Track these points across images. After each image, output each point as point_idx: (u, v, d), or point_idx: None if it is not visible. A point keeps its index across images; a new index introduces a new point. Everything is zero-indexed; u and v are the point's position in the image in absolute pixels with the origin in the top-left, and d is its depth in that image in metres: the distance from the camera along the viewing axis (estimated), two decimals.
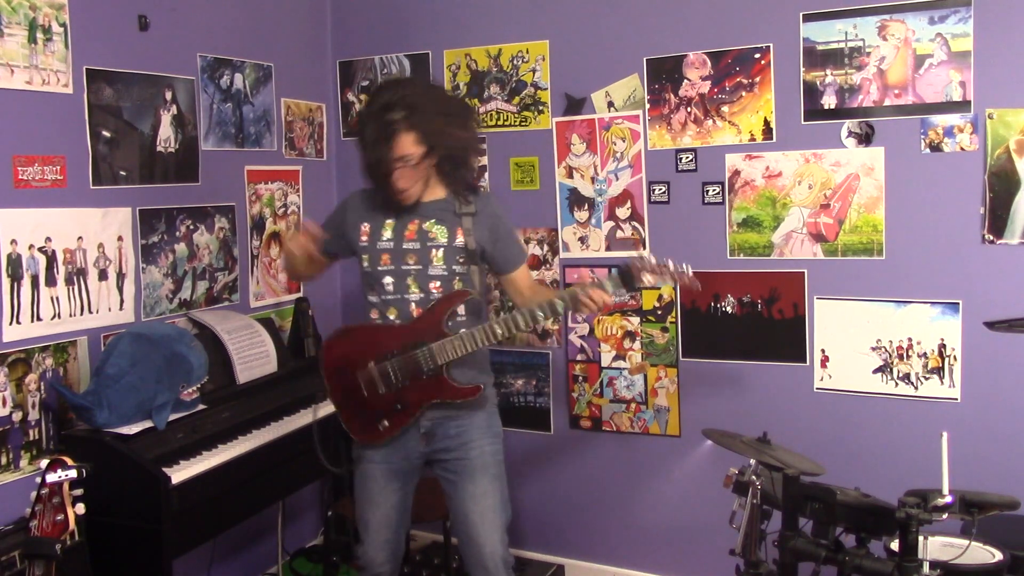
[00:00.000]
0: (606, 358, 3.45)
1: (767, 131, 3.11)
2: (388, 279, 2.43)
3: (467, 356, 2.37)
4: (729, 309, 3.22)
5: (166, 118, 3.02)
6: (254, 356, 3.10)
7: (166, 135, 3.02)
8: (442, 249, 2.42)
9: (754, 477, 2.26)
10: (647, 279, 2.32)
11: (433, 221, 2.44)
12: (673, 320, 3.32)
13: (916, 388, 2.96)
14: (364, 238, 2.49)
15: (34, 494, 1.96)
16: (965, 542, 2.14)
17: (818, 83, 3.01)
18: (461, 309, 2.44)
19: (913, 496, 2.07)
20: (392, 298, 2.44)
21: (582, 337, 3.48)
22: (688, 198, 3.25)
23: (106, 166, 2.79)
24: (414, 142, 2.31)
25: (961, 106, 2.83)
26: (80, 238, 2.70)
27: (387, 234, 2.46)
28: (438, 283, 2.41)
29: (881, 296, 2.99)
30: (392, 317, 2.43)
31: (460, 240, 2.42)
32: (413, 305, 2.41)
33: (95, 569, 2.38)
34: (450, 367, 2.36)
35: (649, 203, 3.32)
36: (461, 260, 2.43)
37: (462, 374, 2.42)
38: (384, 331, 2.43)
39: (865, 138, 2.98)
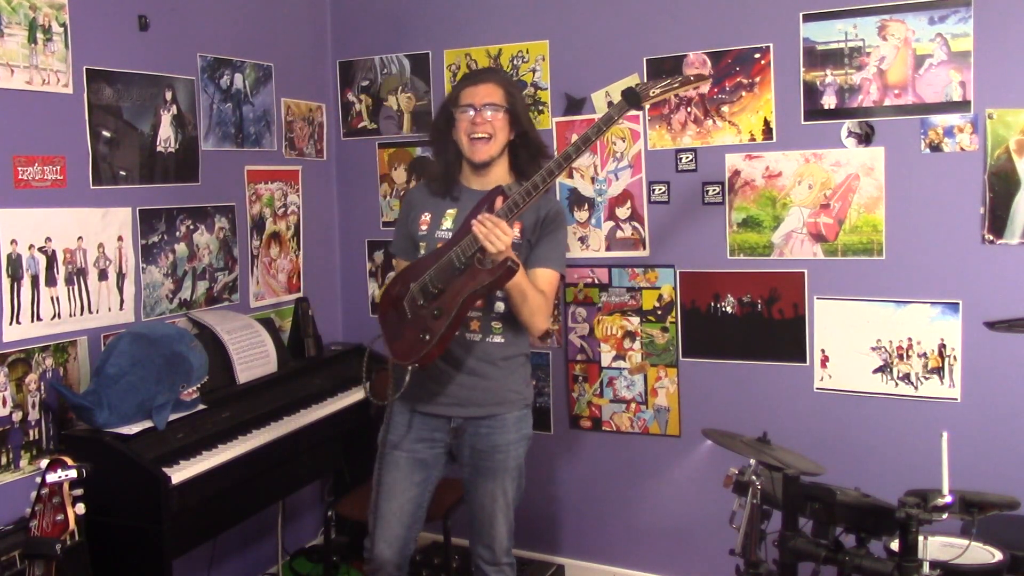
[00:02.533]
0: (606, 358, 3.45)
1: (767, 131, 3.11)
2: None
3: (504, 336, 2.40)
4: (729, 309, 3.22)
5: (166, 118, 3.02)
6: (254, 356, 3.10)
7: (166, 135, 3.02)
8: None
9: (754, 477, 2.26)
10: (654, 92, 2.18)
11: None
12: (673, 320, 3.32)
13: (916, 388, 2.96)
14: (424, 227, 2.49)
15: (34, 494, 1.96)
16: (965, 542, 2.14)
17: (818, 83, 3.01)
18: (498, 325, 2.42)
19: (913, 496, 2.07)
20: None
21: (582, 337, 3.48)
22: (688, 198, 3.25)
23: (106, 166, 2.79)
24: (501, 96, 2.42)
25: (961, 106, 2.83)
26: (80, 238, 2.70)
27: (447, 224, 2.45)
28: (489, 262, 2.31)
29: (881, 296, 2.99)
30: None
31: (516, 233, 2.32)
32: None
33: (95, 569, 2.38)
34: (480, 256, 2.23)
35: (649, 203, 3.32)
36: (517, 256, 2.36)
37: (501, 348, 2.43)
38: (427, 258, 2.39)
39: (865, 138, 2.98)
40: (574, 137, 2.19)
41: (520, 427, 2.50)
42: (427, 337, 2.28)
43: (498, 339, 2.44)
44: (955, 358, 2.90)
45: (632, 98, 2.15)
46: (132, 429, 2.53)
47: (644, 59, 3.26)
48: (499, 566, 2.55)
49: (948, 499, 2.03)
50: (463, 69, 3.60)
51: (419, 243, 2.48)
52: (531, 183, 2.20)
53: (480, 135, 2.40)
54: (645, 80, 3.25)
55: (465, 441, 2.48)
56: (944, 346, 2.91)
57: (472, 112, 2.41)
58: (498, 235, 2.14)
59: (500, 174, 2.48)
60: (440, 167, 2.53)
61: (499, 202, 2.23)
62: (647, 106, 2.21)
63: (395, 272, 2.62)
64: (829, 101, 3.01)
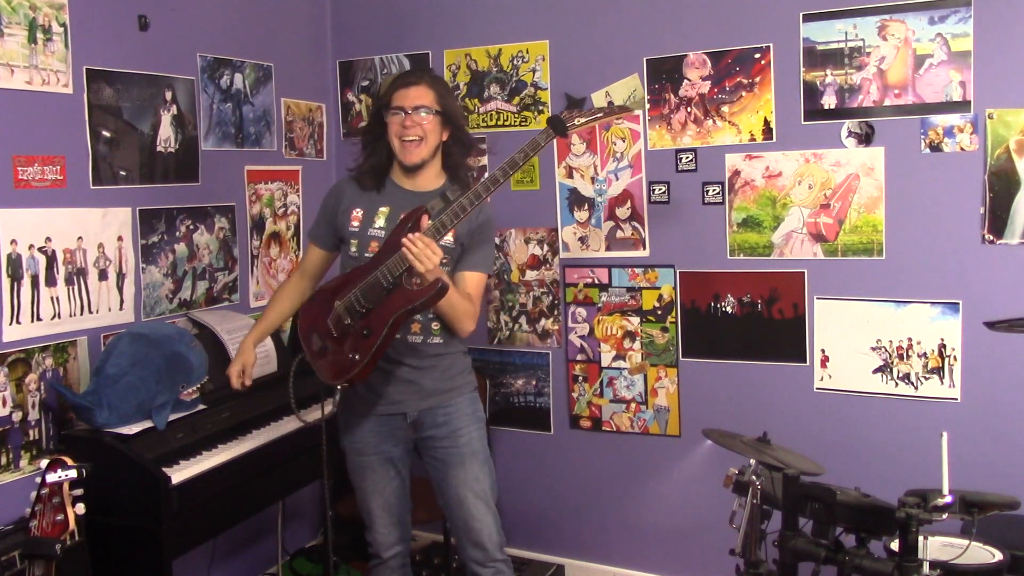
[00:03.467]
0: (606, 358, 3.45)
1: (767, 131, 3.11)
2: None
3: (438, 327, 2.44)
4: (729, 309, 3.22)
5: (166, 118, 3.02)
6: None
7: (166, 135, 3.02)
8: None
9: (754, 477, 2.26)
10: (579, 121, 2.26)
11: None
12: (673, 320, 3.32)
13: (916, 388, 2.96)
14: (355, 223, 2.48)
15: (34, 494, 1.96)
16: (965, 542, 2.14)
17: (818, 83, 3.01)
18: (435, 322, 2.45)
19: (913, 496, 2.07)
20: None
21: (582, 337, 3.48)
22: (688, 198, 3.25)
23: (106, 166, 2.79)
24: (432, 99, 2.42)
25: (961, 106, 2.83)
26: (80, 238, 2.70)
27: (380, 221, 2.46)
28: (418, 280, 2.31)
29: (881, 296, 2.99)
30: None
31: (449, 239, 2.36)
32: None
33: (95, 569, 2.38)
34: (407, 275, 2.24)
35: (649, 203, 3.32)
36: (444, 261, 2.36)
37: (440, 347, 2.46)
38: (350, 275, 2.40)
39: (865, 138, 2.98)
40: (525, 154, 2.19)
41: (474, 409, 2.55)
42: (356, 357, 2.29)
43: (437, 340, 2.46)
44: (955, 358, 2.90)
45: (557, 126, 2.23)
46: (132, 429, 2.53)
47: (644, 59, 3.26)
48: (494, 564, 2.50)
49: (948, 499, 2.03)
50: (463, 69, 3.60)
51: (349, 239, 2.48)
52: (458, 205, 2.21)
53: (411, 137, 2.41)
54: (642, 90, 3.25)
55: (425, 433, 2.50)
56: (944, 346, 2.91)
57: (403, 115, 2.42)
58: (428, 256, 2.16)
59: (432, 174, 2.50)
60: (370, 164, 2.52)
61: (424, 220, 2.23)
62: (571, 135, 2.29)
63: (303, 258, 2.72)
64: (829, 101, 3.01)
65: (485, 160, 3.57)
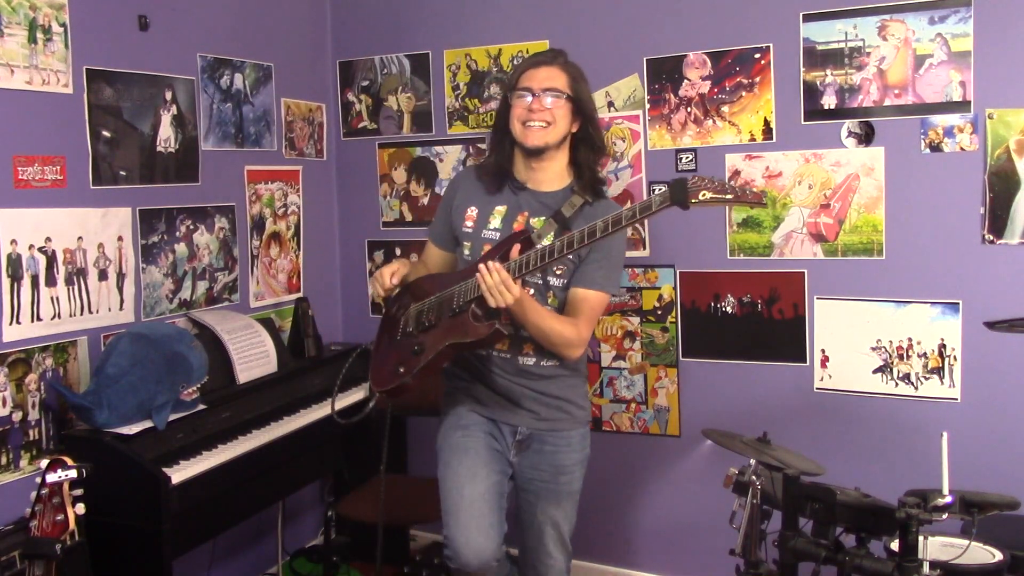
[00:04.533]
0: (606, 358, 3.44)
1: (767, 131, 3.11)
2: None
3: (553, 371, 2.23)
4: (729, 309, 3.22)
5: (166, 118, 3.02)
6: (254, 356, 3.10)
7: (166, 135, 3.02)
8: None
9: (754, 477, 2.26)
10: (704, 196, 1.85)
11: (544, 219, 2.21)
12: (673, 320, 3.32)
13: (916, 388, 2.96)
14: (469, 224, 2.29)
15: (34, 494, 1.96)
16: (965, 542, 2.14)
17: (818, 83, 3.01)
18: None
19: (913, 496, 2.07)
20: None
21: None
22: None
23: (106, 166, 2.79)
24: (565, 82, 2.21)
25: (961, 106, 2.83)
26: (80, 238, 2.70)
27: (495, 222, 2.26)
28: (531, 291, 2.13)
29: (881, 296, 2.99)
30: (480, 313, 2.16)
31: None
32: (504, 316, 2.10)
33: (95, 569, 2.38)
34: (477, 303, 2.05)
35: None
36: (559, 271, 2.18)
37: (553, 370, 2.25)
38: (448, 276, 2.27)
39: (865, 138, 2.98)
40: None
41: (584, 446, 2.36)
42: (401, 370, 2.13)
43: (551, 362, 2.27)
44: (955, 358, 2.90)
45: (678, 194, 1.86)
46: (132, 429, 2.53)
47: (644, 59, 3.26)
48: None
49: (948, 499, 2.03)
50: (463, 69, 3.60)
51: (463, 241, 2.30)
52: (547, 249, 1.99)
53: (536, 122, 2.18)
54: (643, 90, 3.25)
55: (526, 459, 2.30)
56: (944, 346, 2.91)
57: (529, 98, 2.19)
58: (501, 292, 1.95)
59: (556, 170, 2.26)
60: (493, 160, 2.32)
61: (516, 251, 2.03)
62: (692, 207, 1.86)
63: (419, 259, 2.49)
64: (829, 101, 3.01)
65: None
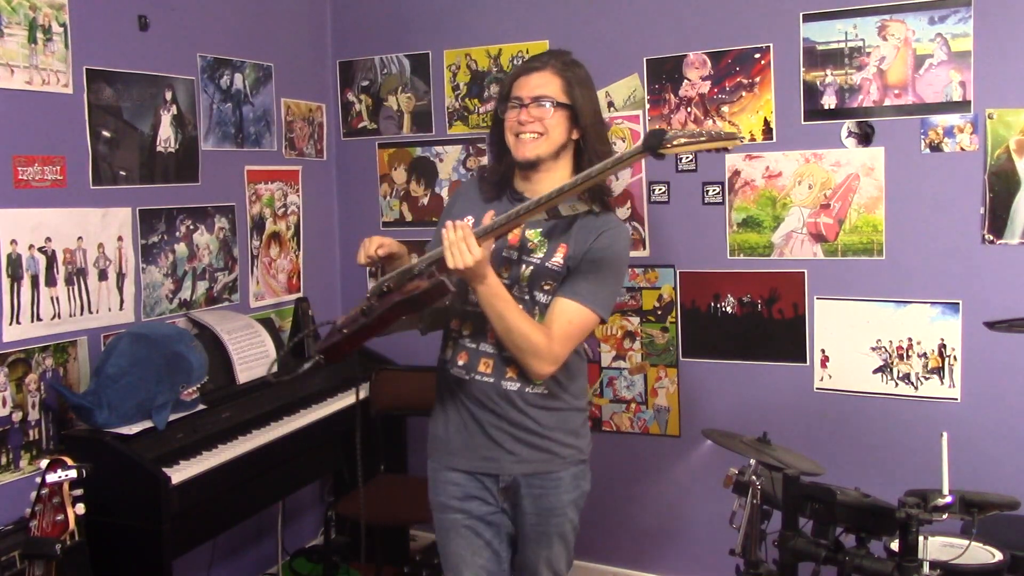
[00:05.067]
0: (606, 358, 3.44)
1: (767, 131, 3.11)
2: None
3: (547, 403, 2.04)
4: (729, 309, 3.22)
5: (166, 118, 3.02)
6: (254, 356, 3.10)
7: (166, 135, 3.02)
8: (532, 268, 2.00)
9: (754, 477, 2.26)
10: (678, 142, 1.64)
11: (539, 231, 2.02)
12: (673, 320, 3.32)
13: (916, 388, 2.96)
14: None
15: (34, 494, 1.96)
16: (965, 542, 2.14)
17: (818, 83, 3.01)
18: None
19: (913, 496, 2.07)
20: (473, 312, 2.02)
21: None
22: (688, 198, 3.25)
23: (106, 166, 2.79)
24: (558, 88, 1.99)
25: (961, 106, 2.83)
26: (80, 238, 2.70)
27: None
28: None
29: (881, 296, 2.99)
30: (467, 333, 2.06)
31: (557, 259, 1.97)
32: (490, 335, 1.99)
33: (95, 569, 2.38)
34: (437, 266, 1.88)
35: (649, 203, 3.32)
36: (547, 287, 2.00)
37: (543, 399, 2.05)
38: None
39: (865, 138, 2.97)
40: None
41: (578, 485, 2.14)
42: (345, 331, 1.97)
43: (539, 389, 2.05)
44: (955, 358, 2.90)
45: (653, 142, 1.66)
46: (132, 429, 2.53)
47: (644, 59, 3.26)
48: None
49: (948, 499, 2.03)
50: (463, 69, 3.60)
51: None
52: (515, 210, 1.83)
53: (527, 134, 1.99)
54: (642, 90, 3.25)
55: (518, 504, 2.11)
56: (944, 346, 2.91)
57: (519, 107, 2.00)
58: (461, 249, 1.80)
59: (557, 181, 1.97)
60: (492, 172, 2.14)
61: (488, 216, 1.88)
62: (665, 155, 1.68)
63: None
64: (829, 101, 3.01)
65: (485, 160, 3.56)
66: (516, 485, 2.08)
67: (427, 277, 1.87)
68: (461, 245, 1.80)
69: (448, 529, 2.13)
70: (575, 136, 2.03)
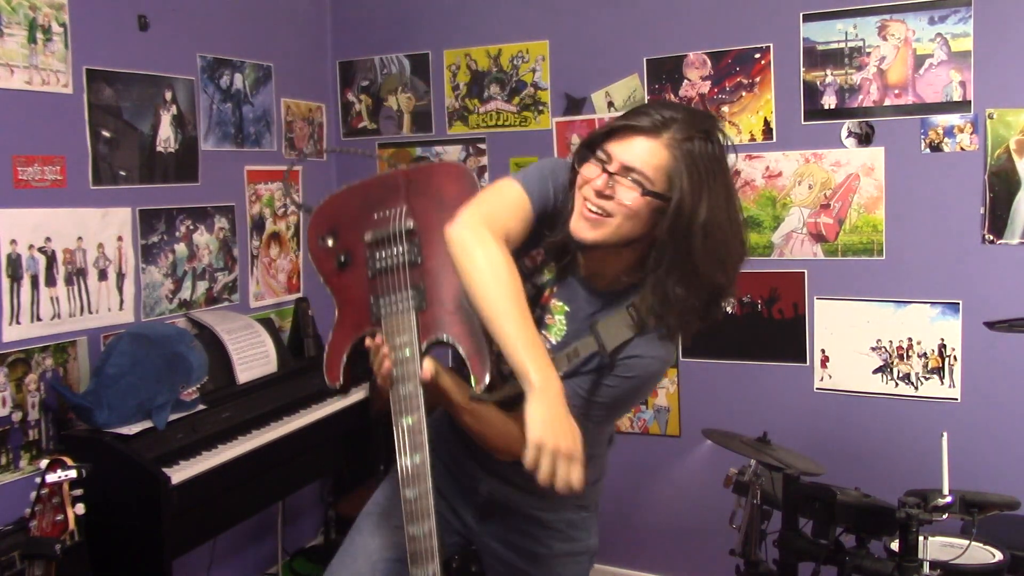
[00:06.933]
0: None
1: (767, 131, 3.11)
2: None
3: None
4: (729, 309, 3.22)
5: (166, 118, 3.02)
6: (254, 356, 3.10)
7: (166, 135, 3.02)
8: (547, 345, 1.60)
9: (754, 477, 2.26)
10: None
11: (563, 305, 1.62)
12: None
13: (916, 388, 2.96)
14: (528, 262, 1.65)
15: (34, 494, 1.96)
16: (965, 542, 2.14)
17: (818, 83, 3.01)
18: None
19: (913, 496, 2.08)
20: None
21: None
22: None
23: (106, 166, 2.79)
24: (662, 167, 1.44)
25: (961, 106, 2.83)
26: (80, 238, 2.70)
27: (556, 322, 1.64)
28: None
29: (881, 296, 2.99)
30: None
31: (572, 351, 1.55)
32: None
33: (95, 569, 2.38)
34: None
35: None
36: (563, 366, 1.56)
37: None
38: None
39: (865, 138, 2.97)
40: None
41: (576, 535, 1.77)
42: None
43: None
44: (955, 358, 2.90)
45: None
46: (132, 429, 2.53)
47: (644, 59, 3.26)
48: None
49: (948, 499, 2.04)
50: (463, 69, 3.60)
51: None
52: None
53: (593, 208, 1.47)
54: (642, 91, 3.25)
55: (493, 532, 1.75)
56: (944, 346, 2.91)
57: (603, 172, 1.47)
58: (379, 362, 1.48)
59: (613, 269, 1.57)
60: (560, 233, 1.57)
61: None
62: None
63: (506, 215, 1.53)
64: (829, 101, 3.01)
65: (485, 160, 3.57)
66: (492, 503, 1.76)
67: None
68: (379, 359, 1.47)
69: (354, 530, 1.80)
70: (652, 231, 1.47)
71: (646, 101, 1.35)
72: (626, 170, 1.44)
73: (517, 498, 1.72)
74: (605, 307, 1.56)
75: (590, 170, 1.48)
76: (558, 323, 1.62)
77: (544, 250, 1.60)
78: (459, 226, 1.48)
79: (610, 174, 1.45)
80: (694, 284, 1.48)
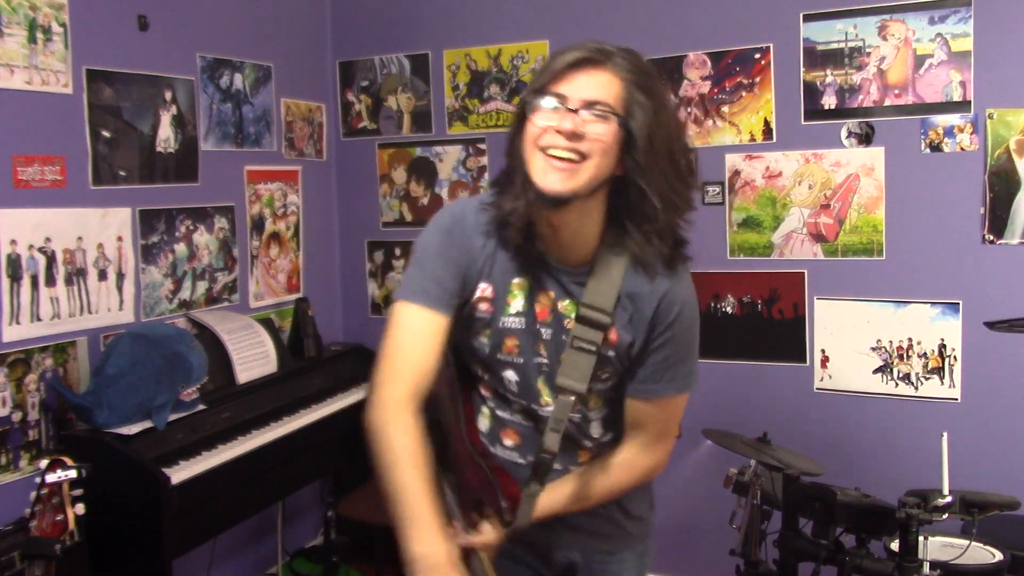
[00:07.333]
0: None
1: (767, 131, 3.11)
2: (511, 375, 1.54)
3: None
4: (729, 309, 3.22)
5: (166, 118, 3.02)
6: (254, 356, 3.10)
7: (166, 135, 3.02)
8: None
9: (754, 477, 2.26)
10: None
11: (574, 303, 1.48)
12: None
13: (916, 388, 2.96)
14: (484, 308, 1.52)
15: (33, 494, 1.96)
16: (965, 542, 2.14)
17: (818, 83, 3.01)
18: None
19: (913, 496, 2.08)
20: (517, 404, 1.57)
21: None
22: None
23: (106, 166, 2.79)
24: (618, 93, 1.39)
25: (961, 106, 2.83)
26: (80, 238, 2.70)
27: (517, 304, 1.51)
28: (572, 397, 1.47)
29: (881, 296, 2.99)
30: (509, 444, 1.60)
31: (611, 342, 1.47)
32: (547, 427, 1.48)
33: (95, 569, 2.38)
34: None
35: None
36: (605, 377, 1.51)
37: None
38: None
39: (865, 138, 2.98)
40: None
41: (643, 562, 1.90)
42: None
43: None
44: (955, 358, 2.90)
45: None
46: (132, 429, 2.53)
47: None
48: None
49: (948, 499, 2.03)
50: (463, 69, 3.60)
51: (479, 332, 1.54)
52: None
53: (563, 153, 1.36)
54: None
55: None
56: (944, 346, 2.91)
57: (561, 108, 1.38)
58: None
59: (586, 236, 1.46)
60: (513, 206, 1.45)
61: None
62: None
63: (401, 344, 1.50)
64: (829, 101, 3.01)
65: (485, 160, 3.57)
66: (571, 570, 1.75)
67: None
68: None
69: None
70: (618, 171, 1.41)
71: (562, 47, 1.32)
72: (589, 104, 1.37)
73: (590, 544, 1.78)
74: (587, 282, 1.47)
75: (548, 117, 1.39)
76: (586, 334, 1.48)
77: (504, 238, 1.49)
78: (371, 412, 1.55)
79: (572, 111, 1.36)
80: (669, 198, 1.44)
